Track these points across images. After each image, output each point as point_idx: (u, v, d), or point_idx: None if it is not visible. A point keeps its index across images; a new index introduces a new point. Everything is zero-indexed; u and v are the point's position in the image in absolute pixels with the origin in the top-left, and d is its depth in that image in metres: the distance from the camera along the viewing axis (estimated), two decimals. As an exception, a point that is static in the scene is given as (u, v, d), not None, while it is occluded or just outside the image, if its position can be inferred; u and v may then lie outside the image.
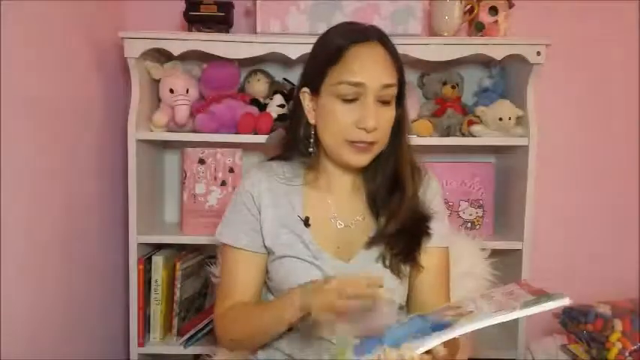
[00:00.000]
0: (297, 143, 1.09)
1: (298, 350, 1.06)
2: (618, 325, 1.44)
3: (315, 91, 1.04)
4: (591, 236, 1.91)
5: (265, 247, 1.09)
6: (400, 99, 1.06)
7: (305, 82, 1.07)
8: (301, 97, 1.07)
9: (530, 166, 1.60)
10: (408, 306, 1.14)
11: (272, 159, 1.16)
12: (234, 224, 1.10)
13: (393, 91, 1.02)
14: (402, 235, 1.06)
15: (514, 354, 1.65)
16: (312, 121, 1.06)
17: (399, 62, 1.04)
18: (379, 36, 1.03)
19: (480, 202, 1.73)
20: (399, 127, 1.07)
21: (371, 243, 1.07)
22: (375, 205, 1.09)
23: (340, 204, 1.11)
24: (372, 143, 1.01)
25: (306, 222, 1.08)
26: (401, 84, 1.05)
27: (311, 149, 1.08)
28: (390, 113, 1.03)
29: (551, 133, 1.82)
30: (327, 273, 1.04)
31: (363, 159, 1.03)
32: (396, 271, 1.06)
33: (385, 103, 1.01)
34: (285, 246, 1.06)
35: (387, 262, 1.06)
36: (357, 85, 0.99)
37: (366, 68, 0.99)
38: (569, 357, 1.49)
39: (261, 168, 1.13)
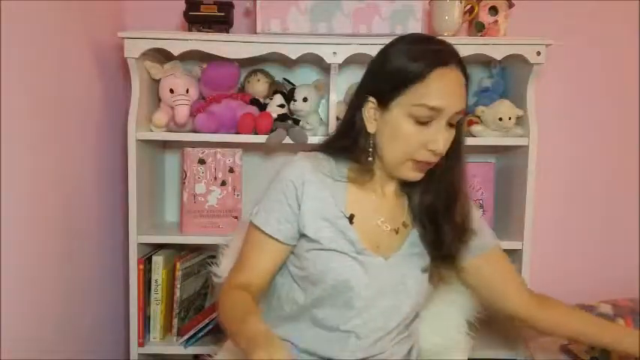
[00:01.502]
0: (354, 150, 1.08)
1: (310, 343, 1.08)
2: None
3: (383, 104, 1.03)
4: (591, 236, 1.91)
5: (304, 236, 1.07)
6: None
7: (371, 91, 1.05)
8: (364, 105, 1.05)
9: (530, 166, 1.60)
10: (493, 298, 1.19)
11: (316, 150, 1.14)
12: (269, 210, 1.09)
13: (461, 116, 1.04)
14: (455, 243, 1.11)
15: (514, 354, 1.65)
16: (371, 130, 1.05)
17: (468, 86, 1.05)
18: (458, 60, 1.02)
19: (480, 202, 1.73)
20: (459, 146, 1.08)
21: (429, 258, 1.11)
22: (431, 216, 1.10)
23: (384, 207, 1.12)
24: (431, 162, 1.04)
25: (351, 219, 1.07)
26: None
27: (370, 158, 1.07)
28: (453, 134, 1.05)
29: (551, 133, 1.82)
30: (368, 269, 1.05)
31: (420, 175, 1.06)
32: (435, 281, 1.11)
33: (452, 125, 1.03)
34: (327, 239, 1.06)
35: (428, 269, 1.10)
36: (434, 109, 0.99)
37: (446, 94, 0.99)
38: (569, 357, 1.49)
39: (308, 158, 1.10)
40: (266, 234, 1.08)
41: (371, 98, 1.04)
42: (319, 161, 1.10)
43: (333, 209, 1.07)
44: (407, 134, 1.01)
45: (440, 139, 1.00)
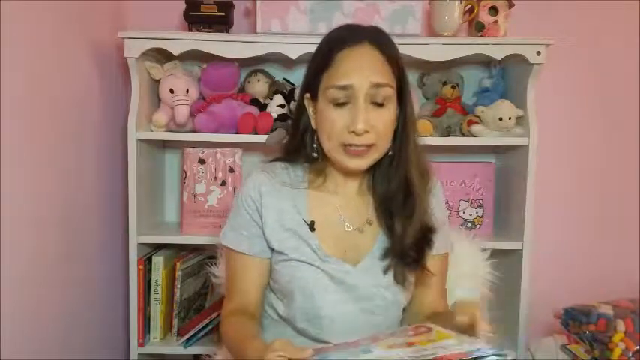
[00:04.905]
0: (303, 148, 1.09)
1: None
2: (620, 325, 1.43)
3: (314, 97, 1.05)
4: (591, 236, 1.91)
5: (272, 249, 1.07)
6: (402, 100, 1.04)
7: (306, 87, 1.08)
8: (305, 103, 1.08)
9: (530, 166, 1.60)
10: (412, 310, 1.13)
11: (275, 160, 1.15)
12: (236, 228, 1.10)
13: (386, 91, 0.99)
14: (413, 244, 1.04)
15: (514, 354, 1.65)
16: (314, 126, 1.07)
17: (395, 62, 1.02)
18: (372, 37, 1.01)
19: (480, 202, 1.73)
20: (404, 129, 1.05)
21: (386, 254, 1.06)
22: (386, 210, 1.07)
23: (348, 207, 1.10)
24: (369, 147, 1.00)
25: (312, 226, 1.06)
26: (402, 84, 1.03)
27: (315, 154, 1.07)
28: (386, 114, 1.00)
29: (551, 133, 1.82)
30: (333, 276, 1.03)
31: (360, 163, 1.01)
32: (401, 280, 1.05)
33: (379, 104, 0.99)
34: (291, 249, 1.05)
35: (393, 271, 1.05)
36: (344, 87, 0.98)
37: (353, 70, 0.98)
38: (569, 357, 1.49)
39: (264, 170, 1.11)
40: (240, 253, 1.08)
41: (306, 94, 1.07)
42: (277, 172, 1.10)
43: (294, 218, 1.06)
44: (330, 120, 1.00)
45: (357, 118, 0.97)
